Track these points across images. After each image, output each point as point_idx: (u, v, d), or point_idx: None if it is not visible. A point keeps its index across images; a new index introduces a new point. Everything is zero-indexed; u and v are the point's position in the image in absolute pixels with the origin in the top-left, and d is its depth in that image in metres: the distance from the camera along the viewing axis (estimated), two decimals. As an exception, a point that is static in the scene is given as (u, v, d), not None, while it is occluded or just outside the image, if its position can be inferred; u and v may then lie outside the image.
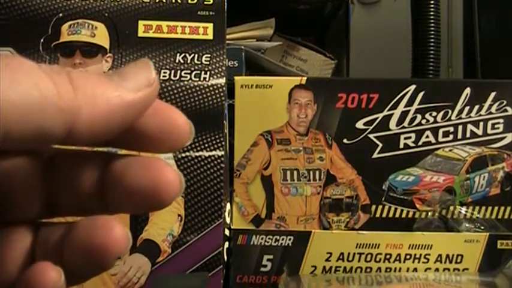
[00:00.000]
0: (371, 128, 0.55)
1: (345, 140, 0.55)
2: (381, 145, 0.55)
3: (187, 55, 0.50)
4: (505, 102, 0.56)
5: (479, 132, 0.56)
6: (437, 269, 0.54)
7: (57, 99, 0.17)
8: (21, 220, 0.20)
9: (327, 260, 0.54)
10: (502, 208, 0.55)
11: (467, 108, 0.55)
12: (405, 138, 0.55)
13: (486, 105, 0.56)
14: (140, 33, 0.50)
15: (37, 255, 0.20)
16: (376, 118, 0.55)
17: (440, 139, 0.55)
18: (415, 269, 0.54)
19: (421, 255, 0.54)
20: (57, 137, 0.17)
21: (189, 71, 0.50)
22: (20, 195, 0.20)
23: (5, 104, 0.16)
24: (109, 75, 0.19)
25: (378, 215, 0.55)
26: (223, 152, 0.49)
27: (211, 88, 0.49)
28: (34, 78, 0.17)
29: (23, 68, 0.17)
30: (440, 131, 0.55)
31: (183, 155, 0.48)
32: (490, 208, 0.55)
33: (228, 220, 0.52)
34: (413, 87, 0.55)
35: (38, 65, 0.17)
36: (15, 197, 0.20)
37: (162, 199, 0.19)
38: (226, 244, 0.51)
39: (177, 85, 0.49)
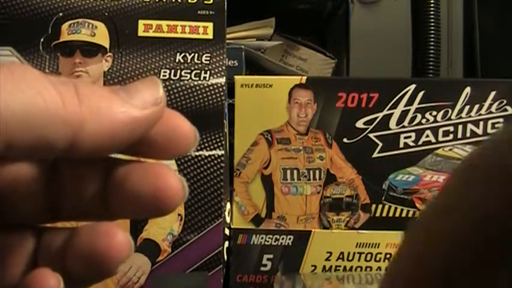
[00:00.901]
0: (371, 127, 0.55)
1: (345, 140, 0.55)
2: (381, 144, 0.55)
3: (187, 54, 0.50)
4: (505, 101, 0.56)
5: (480, 131, 0.56)
6: (437, 269, 0.54)
7: (62, 110, 0.17)
8: (24, 224, 0.20)
9: (327, 259, 0.54)
10: (502, 207, 0.55)
11: (467, 107, 0.55)
12: (405, 138, 0.55)
13: (486, 104, 0.56)
14: (140, 33, 0.50)
15: (39, 260, 0.20)
16: (376, 117, 0.55)
17: (441, 138, 0.55)
18: (415, 269, 0.54)
19: (421, 254, 0.54)
20: (59, 149, 0.17)
21: (189, 71, 0.50)
22: (22, 199, 0.20)
23: (6, 113, 0.16)
24: (116, 90, 0.19)
25: (378, 214, 0.55)
26: (223, 152, 0.49)
27: (211, 87, 0.49)
28: (38, 87, 0.16)
29: (27, 77, 0.17)
30: (441, 130, 0.55)
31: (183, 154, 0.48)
32: (490, 207, 0.55)
33: (228, 219, 0.52)
34: (413, 86, 0.55)
35: (44, 75, 0.17)
36: (18, 200, 0.20)
37: (165, 205, 0.19)
38: (226, 243, 0.51)
39: (177, 84, 0.49)
